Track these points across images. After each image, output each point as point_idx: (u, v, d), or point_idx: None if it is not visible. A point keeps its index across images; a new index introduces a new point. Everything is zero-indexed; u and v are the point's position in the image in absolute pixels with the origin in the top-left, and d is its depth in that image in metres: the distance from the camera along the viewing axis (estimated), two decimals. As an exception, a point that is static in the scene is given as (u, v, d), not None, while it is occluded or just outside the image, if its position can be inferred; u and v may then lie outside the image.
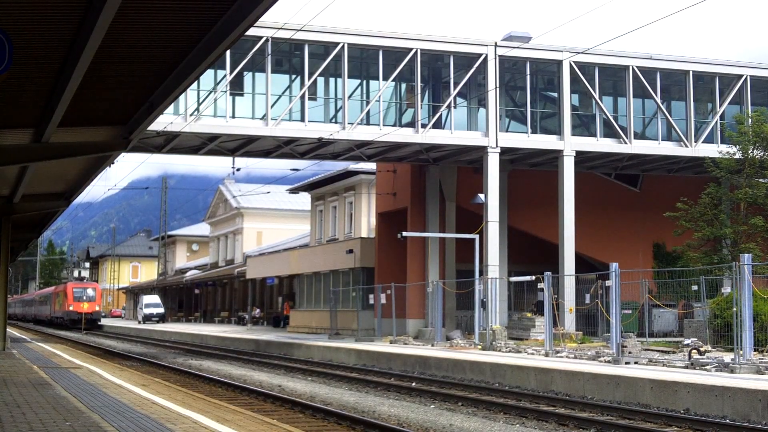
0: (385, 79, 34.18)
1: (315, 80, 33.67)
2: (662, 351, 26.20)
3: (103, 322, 79.97)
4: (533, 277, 30.49)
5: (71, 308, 69.75)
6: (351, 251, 46.19)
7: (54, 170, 22.57)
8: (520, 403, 18.09)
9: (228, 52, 29.98)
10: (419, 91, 34.57)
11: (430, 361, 25.77)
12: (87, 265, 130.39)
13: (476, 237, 34.03)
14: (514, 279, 35.54)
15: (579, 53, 35.72)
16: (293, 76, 34.20)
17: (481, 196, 34.58)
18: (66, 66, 12.44)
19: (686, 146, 37.33)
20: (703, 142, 37.57)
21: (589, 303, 29.94)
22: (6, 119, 15.97)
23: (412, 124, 34.89)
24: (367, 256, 45.35)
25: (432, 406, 17.97)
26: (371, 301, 39.33)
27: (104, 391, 15.73)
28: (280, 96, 33.75)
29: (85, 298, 70.58)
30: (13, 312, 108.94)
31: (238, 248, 76.95)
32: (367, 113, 34.27)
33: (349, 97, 34.15)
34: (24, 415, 11.60)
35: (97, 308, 71.68)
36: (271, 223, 76.76)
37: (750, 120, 36.48)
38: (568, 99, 35.98)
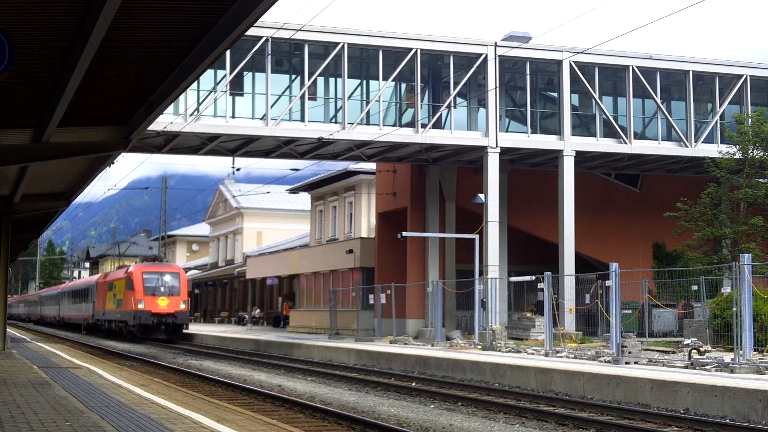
0: (385, 79, 34.18)
1: (315, 80, 33.68)
2: (662, 351, 26.21)
3: None
4: (533, 277, 30.51)
5: (141, 306, 44.66)
6: (351, 251, 46.20)
7: (54, 170, 22.57)
8: (519, 403, 18.07)
9: (228, 52, 29.98)
10: (419, 91, 34.57)
11: (430, 361, 25.76)
12: (87, 265, 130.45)
13: (476, 237, 34.03)
14: (514, 279, 35.54)
15: (579, 53, 35.72)
16: (293, 76, 34.21)
17: (481, 196, 34.58)
18: (66, 66, 12.44)
19: (686, 146, 37.33)
20: (703, 142, 37.58)
21: (589, 303, 29.96)
22: (6, 119, 15.98)
23: (412, 124, 34.89)
24: (367, 256, 45.36)
25: (432, 406, 17.96)
26: (371, 301, 39.34)
27: (104, 391, 15.73)
28: (280, 96, 33.76)
29: (163, 289, 45.47)
30: (26, 314, 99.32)
31: (238, 248, 76.95)
32: (367, 113, 34.28)
33: (349, 97, 34.15)
34: (24, 415, 11.60)
35: (182, 305, 45.80)
36: (271, 223, 76.77)
37: (750, 120, 36.50)
38: (568, 99, 35.99)
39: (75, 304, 64.69)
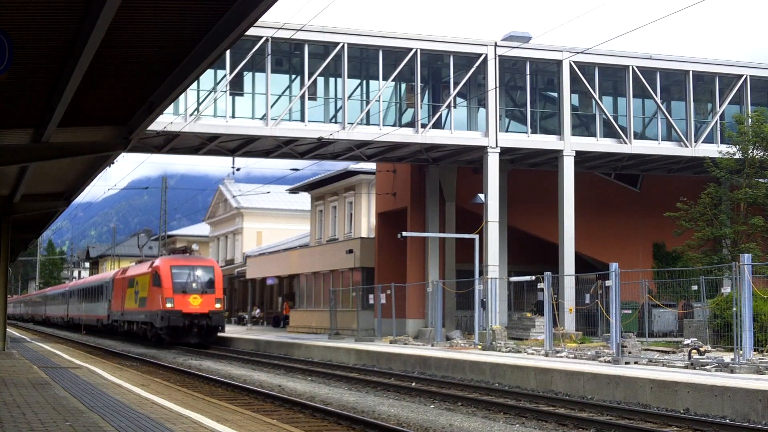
0: (385, 79, 34.19)
1: (315, 80, 33.68)
2: (662, 351, 26.20)
3: None
4: (533, 277, 30.50)
5: (170, 305, 38.95)
6: (351, 251, 46.19)
7: (54, 170, 22.56)
8: (519, 403, 18.08)
9: (228, 52, 29.99)
10: (419, 91, 34.57)
11: (430, 361, 25.76)
12: (87, 264, 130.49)
13: (476, 237, 34.03)
14: (514, 279, 35.54)
15: (579, 53, 35.72)
16: (293, 76, 34.22)
17: (481, 196, 34.58)
18: (66, 66, 12.44)
19: (686, 146, 37.33)
20: (703, 142, 37.59)
21: (589, 303, 29.97)
22: (6, 119, 15.97)
23: (412, 124, 34.89)
24: (367, 256, 45.35)
25: (432, 406, 17.96)
26: (371, 301, 39.32)
27: (104, 391, 15.73)
28: (280, 96, 33.77)
29: (195, 285, 39.77)
30: (30, 314, 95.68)
31: (238, 248, 76.96)
32: (367, 113, 34.29)
33: (349, 97, 34.15)
34: (24, 415, 11.60)
35: (217, 304, 39.97)
36: (271, 223, 76.75)
37: (750, 120, 36.51)
38: (568, 99, 35.99)
39: (87, 303, 58.59)
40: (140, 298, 42.56)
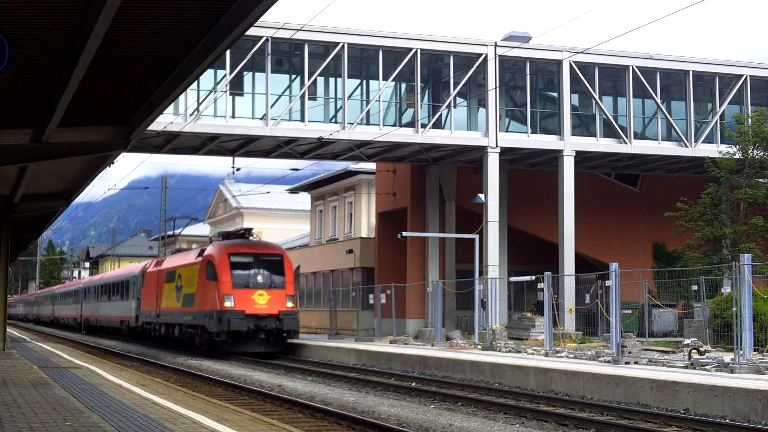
0: (385, 79, 34.18)
1: (315, 80, 33.68)
2: (662, 351, 26.20)
3: None
4: (533, 277, 30.50)
5: (229, 304, 30.94)
6: (351, 251, 46.20)
7: (54, 170, 22.58)
8: (519, 403, 18.07)
9: (228, 52, 30.00)
10: (419, 91, 34.57)
11: (430, 361, 25.75)
12: (87, 264, 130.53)
13: (476, 237, 34.03)
14: (514, 279, 35.54)
15: (579, 53, 35.72)
16: (293, 76, 34.22)
17: (481, 196, 34.58)
18: (66, 66, 12.45)
19: (686, 146, 37.34)
20: (703, 142, 37.59)
21: (589, 303, 29.98)
22: (6, 119, 15.99)
23: (412, 124, 34.89)
24: (367, 256, 45.36)
25: (432, 406, 17.96)
26: (371, 301, 39.32)
27: (104, 391, 15.72)
28: (280, 96, 33.76)
29: (260, 278, 31.74)
30: (35, 314, 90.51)
31: (238, 248, 76.82)
32: (367, 113, 34.29)
33: (349, 97, 34.15)
34: (24, 415, 11.60)
35: (289, 303, 31.80)
36: (271, 223, 76.74)
37: (750, 120, 36.52)
38: (568, 99, 35.99)
39: (107, 302, 50.80)
40: (185, 295, 34.61)
